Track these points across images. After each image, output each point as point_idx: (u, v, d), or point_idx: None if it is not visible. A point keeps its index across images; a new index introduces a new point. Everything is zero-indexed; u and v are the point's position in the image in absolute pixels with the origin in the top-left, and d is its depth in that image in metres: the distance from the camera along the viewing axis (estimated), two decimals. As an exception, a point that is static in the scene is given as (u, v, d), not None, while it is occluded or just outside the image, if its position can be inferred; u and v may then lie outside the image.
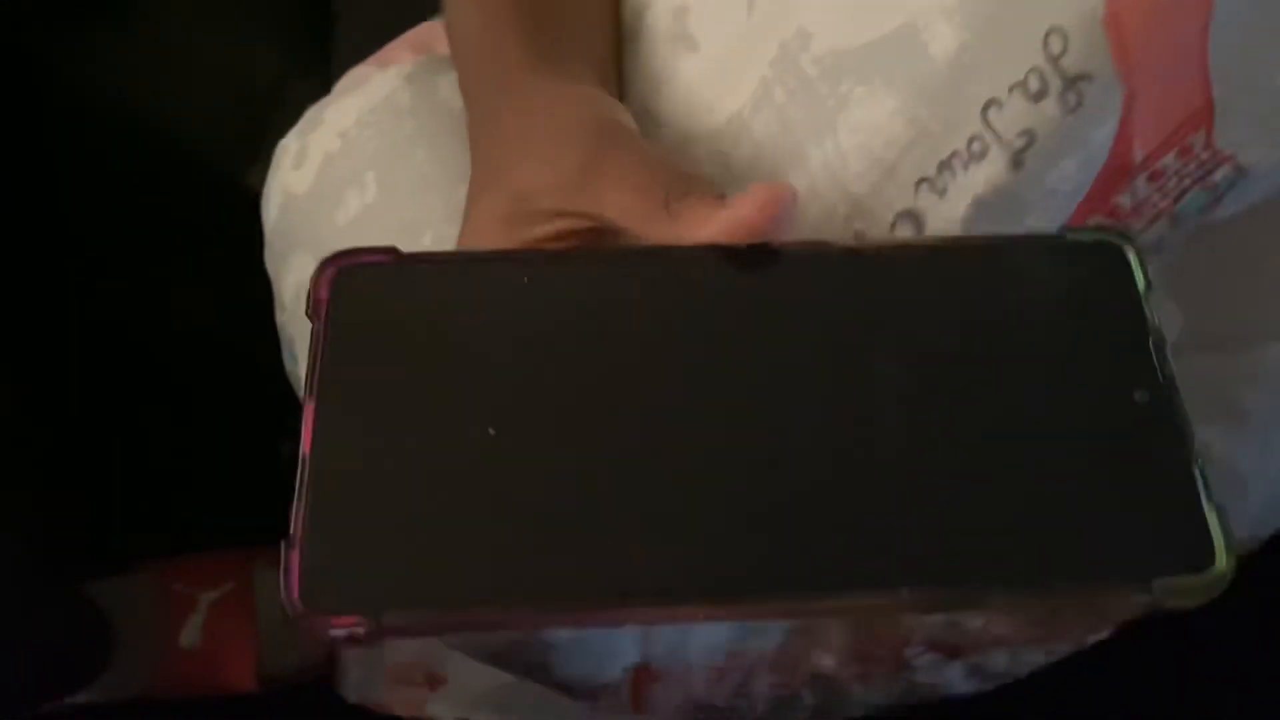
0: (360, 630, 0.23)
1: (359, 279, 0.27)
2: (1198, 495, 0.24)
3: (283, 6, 0.56)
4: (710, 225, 0.28)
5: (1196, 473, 0.24)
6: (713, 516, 0.24)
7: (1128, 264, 0.27)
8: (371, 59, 0.44)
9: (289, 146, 0.42)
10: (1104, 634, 0.53)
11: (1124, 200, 0.34)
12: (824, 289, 0.28)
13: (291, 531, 0.23)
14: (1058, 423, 0.26)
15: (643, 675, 0.46)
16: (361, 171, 0.39)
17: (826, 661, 0.50)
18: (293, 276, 0.41)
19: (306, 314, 0.27)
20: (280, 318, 0.43)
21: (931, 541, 0.24)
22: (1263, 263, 0.40)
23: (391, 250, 0.27)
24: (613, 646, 0.44)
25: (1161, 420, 0.25)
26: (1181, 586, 0.23)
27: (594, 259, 0.29)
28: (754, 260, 0.27)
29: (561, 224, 0.30)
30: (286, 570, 0.23)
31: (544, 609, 0.24)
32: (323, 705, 0.70)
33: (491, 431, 0.25)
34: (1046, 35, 0.30)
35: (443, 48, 0.42)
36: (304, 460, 0.24)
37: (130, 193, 0.63)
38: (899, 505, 0.25)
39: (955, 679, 0.53)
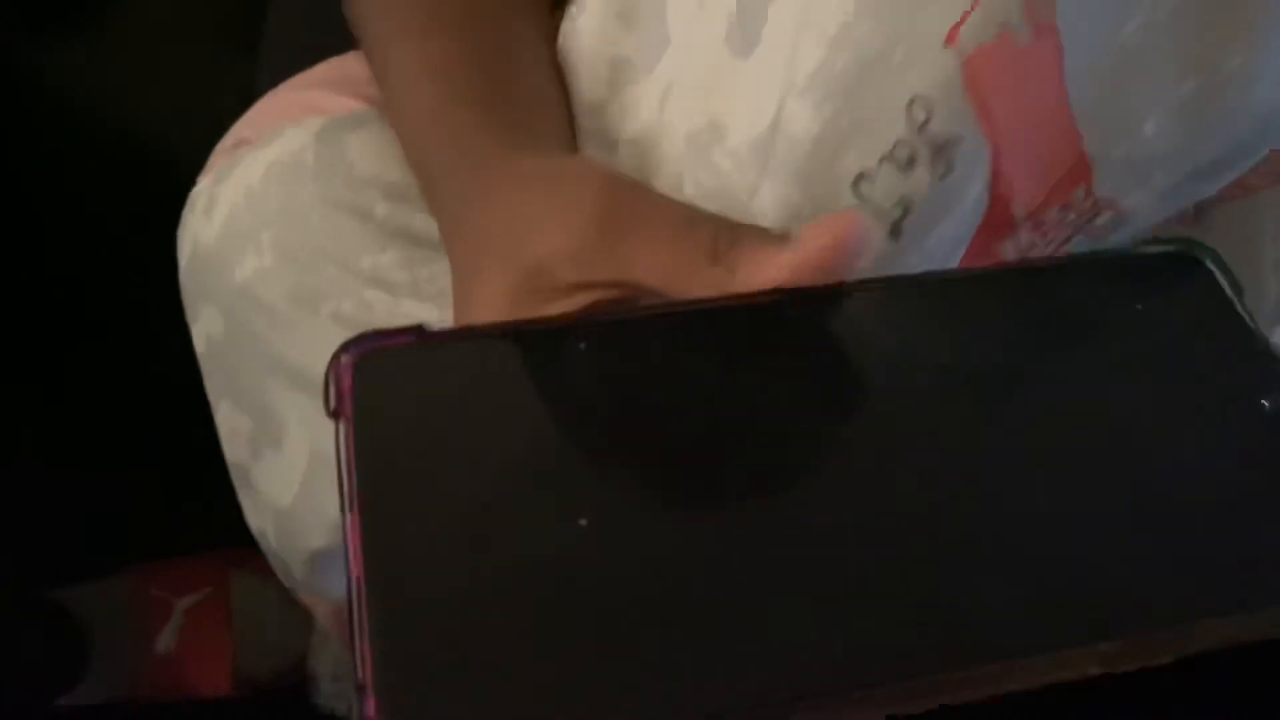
0: None
1: (384, 365, 0.23)
2: None
3: (255, 20, 0.56)
4: (773, 268, 0.25)
5: None
6: (861, 591, 0.21)
7: (1210, 272, 0.26)
8: (293, 85, 0.43)
9: (201, 192, 0.41)
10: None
11: (1007, 248, 0.34)
12: (907, 327, 0.25)
13: (359, 676, 0.19)
14: (1196, 443, 0.24)
15: None
16: (259, 231, 0.38)
17: None
18: (200, 327, 0.40)
19: (328, 413, 0.22)
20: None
21: (1109, 586, 0.22)
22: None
23: (417, 328, 0.24)
24: None
25: None
26: None
27: (649, 321, 0.25)
28: (827, 302, 0.25)
29: (584, 296, 0.27)
30: (365, 716, 0.19)
31: None
32: (297, 711, 0.70)
33: (583, 523, 0.21)
34: (910, 104, 0.29)
35: (366, 89, 0.41)
36: (357, 585, 0.20)
37: (101, 198, 0.64)
38: (1066, 555, 0.22)
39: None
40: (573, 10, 0.37)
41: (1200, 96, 0.31)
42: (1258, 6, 0.30)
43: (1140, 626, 0.21)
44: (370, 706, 0.19)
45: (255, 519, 0.42)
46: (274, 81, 0.45)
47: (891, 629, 0.21)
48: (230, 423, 0.41)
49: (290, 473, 0.38)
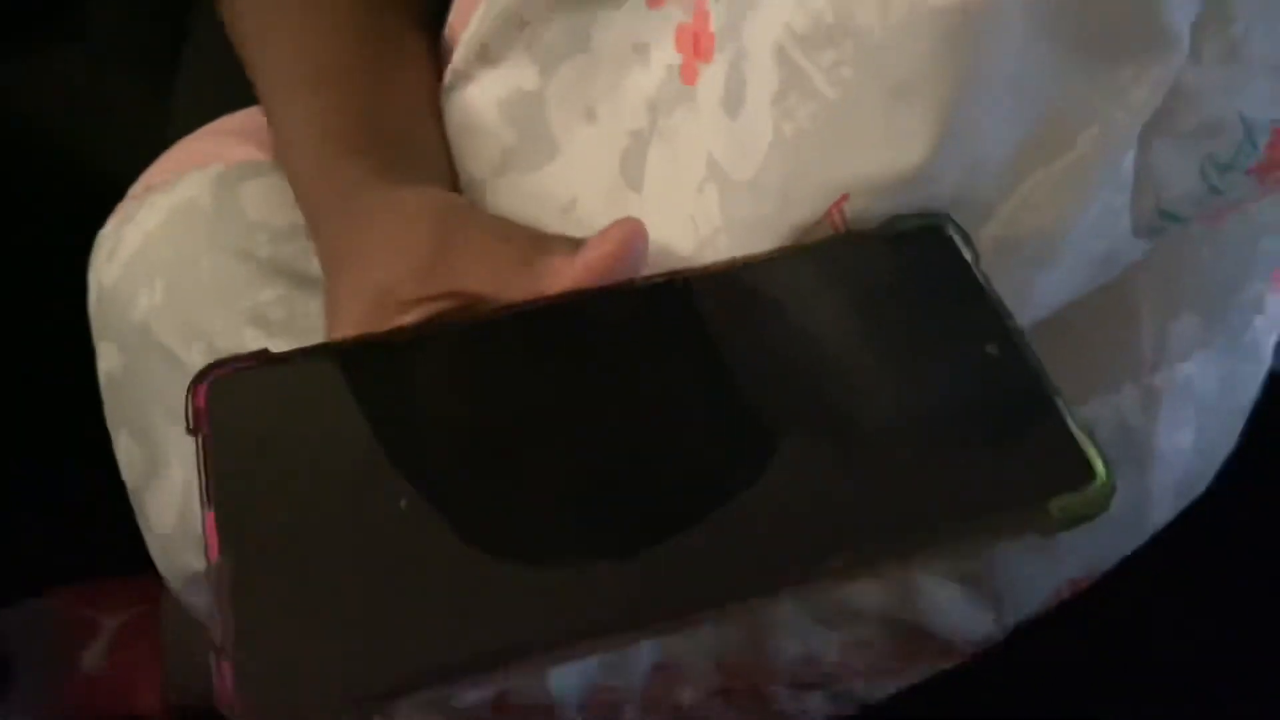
0: None
1: (233, 386, 0.27)
2: (1065, 422, 0.27)
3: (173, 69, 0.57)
4: (569, 273, 0.29)
5: (1058, 403, 0.27)
6: (641, 536, 0.25)
7: (952, 241, 0.30)
8: (203, 133, 0.46)
9: (106, 237, 0.43)
10: (952, 664, 0.56)
11: None
12: (688, 311, 0.29)
13: (219, 642, 0.23)
14: (929, 387, 0.28)
15: (500, 705, 0.48)
16: (154, 274, 0.41)
17: (688, 696, 0.53)
18: (104, 363, 0.43)
19: (188, 430, 0.26)
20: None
21: (850, 511, 0.26)
22: (1067, 327, 0.42)
23: (261, 353, 0.28)
24: None
25: (1016, 366, 0.28)
26: (1077, 502, 0.26)
27: (457, 327, 0.30)
28: (618, 297, 0.29)
29: (423, 310, 0.31)
30: (221, 681, 0.23)
31: (502, 662, 0.24)
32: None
33: (403, 504, 0.25)
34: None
35: (268, 138, 0.43)
36: (217, 569, 0.24)
37: (30, 219, 0.64)
38: (816, 485, 0.26)
39: (813, 705, 0.56)
40: (455, 71, 0.39)
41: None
42: None
43: (875, 541, 0.25)
44: (226, 668, 0.23)
45: (150, 548, 0.43)
46: (186, 129, 0.47)
47: (665, 569, 0.25)
48: (126, 453, 0.43)
49: (170, 500, 0.40)
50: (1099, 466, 0.26)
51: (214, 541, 0.25)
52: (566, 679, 0.48)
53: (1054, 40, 0.29)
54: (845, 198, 0.30)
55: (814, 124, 0.30)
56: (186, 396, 0.27)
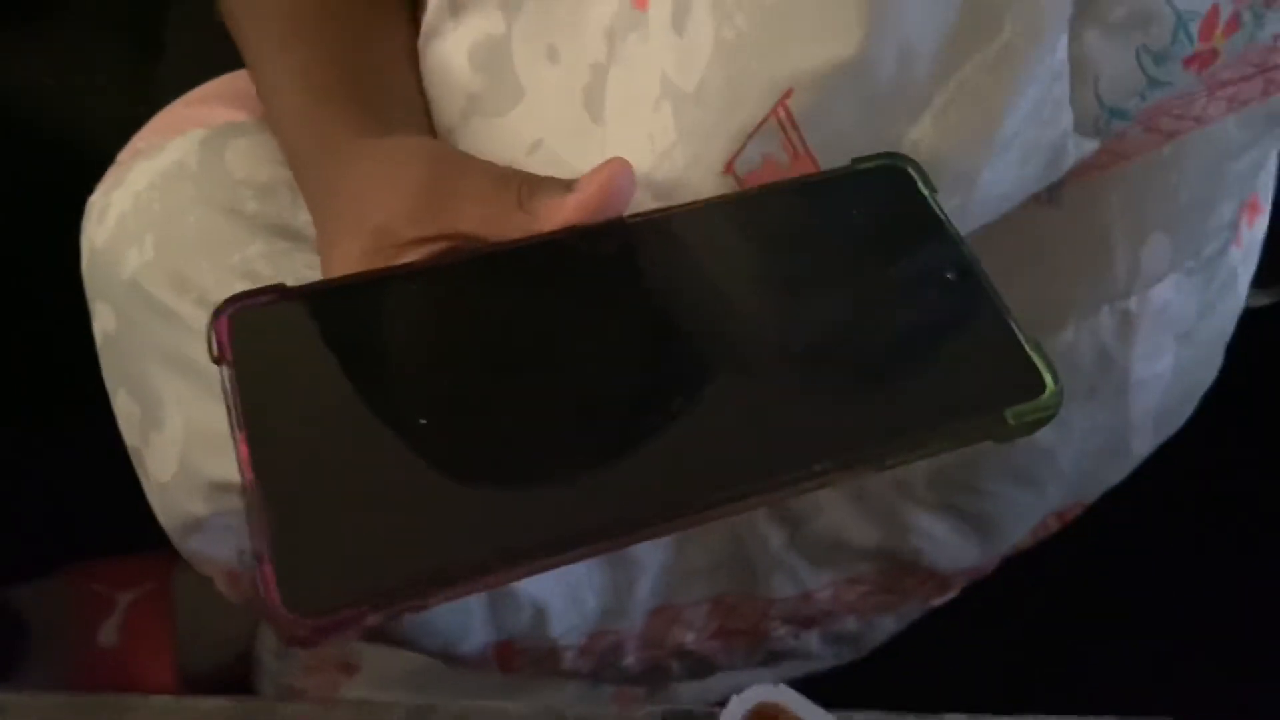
0: (348, 624, 0.24)
1: (253, 318, 0.29)
2: (1018, 339, 0.29)
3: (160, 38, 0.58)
4: (562, 211, 0.31)
5: (1011, 322, 0.30)
6: (635, 447, 0.27)
7: (911, 178, 0.32)
8: (189, 100, 0.47)
9: (96, 202, 0.44)
10: (946, 598, 0.57)
11: None
12: (672, 245, 0.32)
13: (258, 549, 0.25)
14: (895, 310, 0.31)
15: (505, 649, 0.50)
16: (143, 232, 0.42)
17: (689, 638, 0.54)
18: (98, 323, 0.44)
19: (212, 359, 0.28)
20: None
21: (823, 421, 0.28)
22: (1042, 251, 0.44)
23: (279, 287, 0.29)
24: (460, 625, 0.47)
25: (973, 290, 0.30)
26: (1029, 409, 0.28)
27: (463, 262, 0.32)
28: (607, 234, 0.31)
29: (422, 248, 0.32)
30: (265, 582, 0.24)
31: (511, 562, 0.26)
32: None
33: (423, 422, 0.27)
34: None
35: (251, 102, 0.45)
36: (253, 484, 0.26)
37: (22, 185, 0.65)
38: (790, 399, 0.29)
39: (813, 645, 0.57)
40: (426, 29, 0.40)
41: (963, 208, 0.35)
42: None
43: (851, 446, 0.28)
44: (268, 571, 0.25)
45: (150, 499, 0.44)
46: (173, 94, 0.48)
47: (657, 476, 0.27)
48: (125, 410, 0.44)
49: (170, 449, 0.41)
50: (1048, 378, 0.29)
51: (246, 460, 0.26)
52: (567, 623, 0.50)
53: None
54: (789, 93, 0.32)
55: (751, 25, 0.31)
56: (208, 328, 0.28)
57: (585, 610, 0.51)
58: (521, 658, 0.51)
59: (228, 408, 0.27)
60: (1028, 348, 0.29)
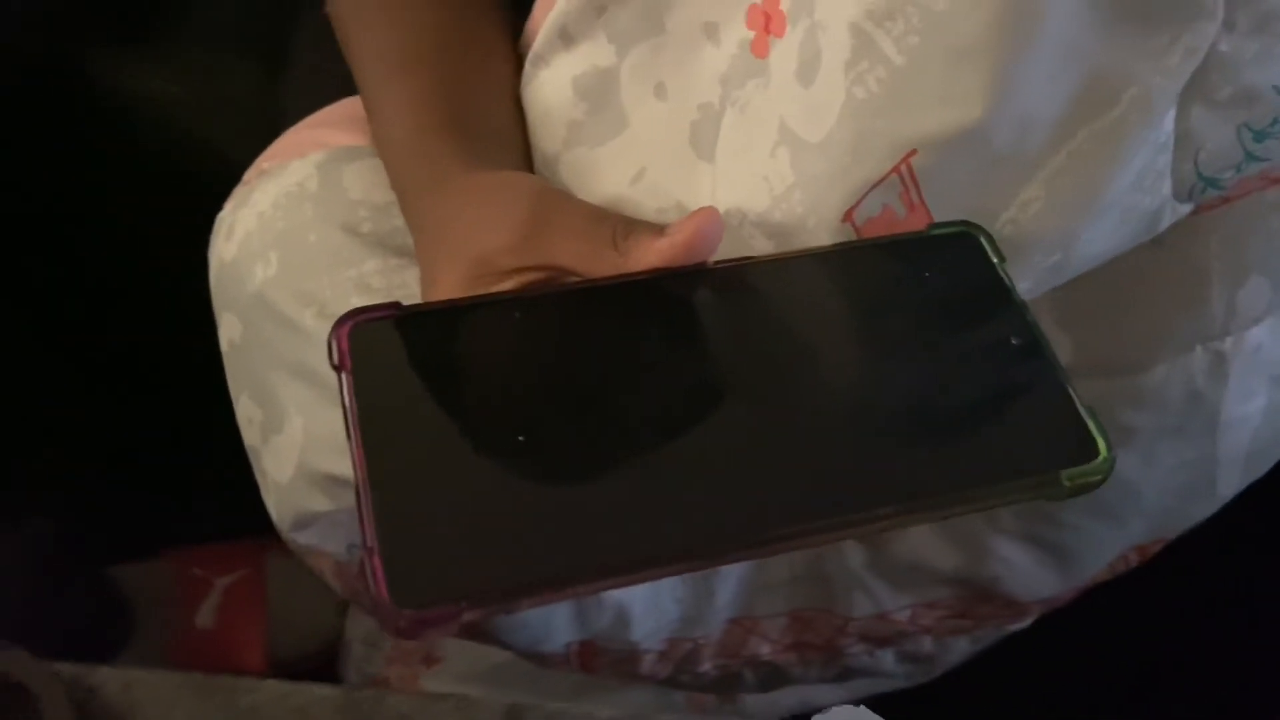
0: (448, 619, 0.26)
1: (370, 331, 0.31)
2: (1075, 407, 0.31)
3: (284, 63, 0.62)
4: (653, 254, 0.33)
5: (1069, 389, 0.31)
6: (709, 480, 0.29)
7: (981, 246, 0.34)
8: (310, 123, 0.50)
9: (224, 219, 0.48)
10: (1022, 624, 0.57)
11: None
12: (753, 291, 0.34)
13: (369, 544, 0.27)
14: (963, 371, 0.32)
15: (588, 649, 0.51)
16: (268, 249, 0.45)
17: (765, 649, 0.55)
18: (224, 332, 0.47)
19: (332, 365, 0.30)
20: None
21: (889, 470, 0.30)
22: (1140, 289, 0.44)
23: (394, 304, 0.32)
24: (546, 624, 0.49)
25: (1035, 357, 0.32)
26: (1083, 473, 0.30)
27: (565, 293, 0.34)
28: (695, 277, 0.33)
29: (520, 278, 0.35)
30: (374, 574, 0.26)
31: (598, 576, 0.27)
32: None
33: (521, 439, 0.29)
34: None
35: (365, 127, 0.47)
36: (364, 485, 0.28)
37: (156, 197, 0.69)
38: (865, 449, 0.30)
39: (887, 663, 0.58)
40: (534, 56, 0.42)
41: (1062, 263, 0.37)
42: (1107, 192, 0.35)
43: (917, 495, 0.29)
44: (377, 564, 0.26)
45: (265, 497, 0.47)
46: (299, 111, 0.52)
47: (742, 506, 0.29)
48: (246, 413, 0.47)
49: (290, 450, 0.44)
50: (1101, 444, 0.30)
51: (361, 460, 0.28)
52: (648, 626, 0.51)
53: (1098, 8, 0.31)
54: (913, 152, 0.33)
55: (883, 87, 0.33)
56: (330, 337, 0.31)
57: (665, 616, 0.52)
58: (602, 658, 0.52)
59: (344, 411, 0.29)
60: (1084, 415, 0.30)
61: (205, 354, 0.50)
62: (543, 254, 0.35)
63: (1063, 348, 0.43)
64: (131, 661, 0.74)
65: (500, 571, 0.27)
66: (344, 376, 0.30)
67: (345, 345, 0.30)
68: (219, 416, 0.50)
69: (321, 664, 0.76)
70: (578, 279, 0.34)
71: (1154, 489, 0.50)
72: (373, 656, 0.74)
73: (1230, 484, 0.52)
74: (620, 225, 0.34)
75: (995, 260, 0.34)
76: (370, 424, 0.29)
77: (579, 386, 0.31)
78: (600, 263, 0.34)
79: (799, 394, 0.31)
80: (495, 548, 0.27)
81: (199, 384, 0.56)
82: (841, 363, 0.32)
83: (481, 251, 0.35)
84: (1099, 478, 0.30)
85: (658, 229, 0.34)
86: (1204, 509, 0.53)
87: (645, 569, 0.28)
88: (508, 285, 0.35)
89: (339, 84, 0.49)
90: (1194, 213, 0.42)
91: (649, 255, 0.33)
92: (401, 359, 0.31)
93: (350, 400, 0.29)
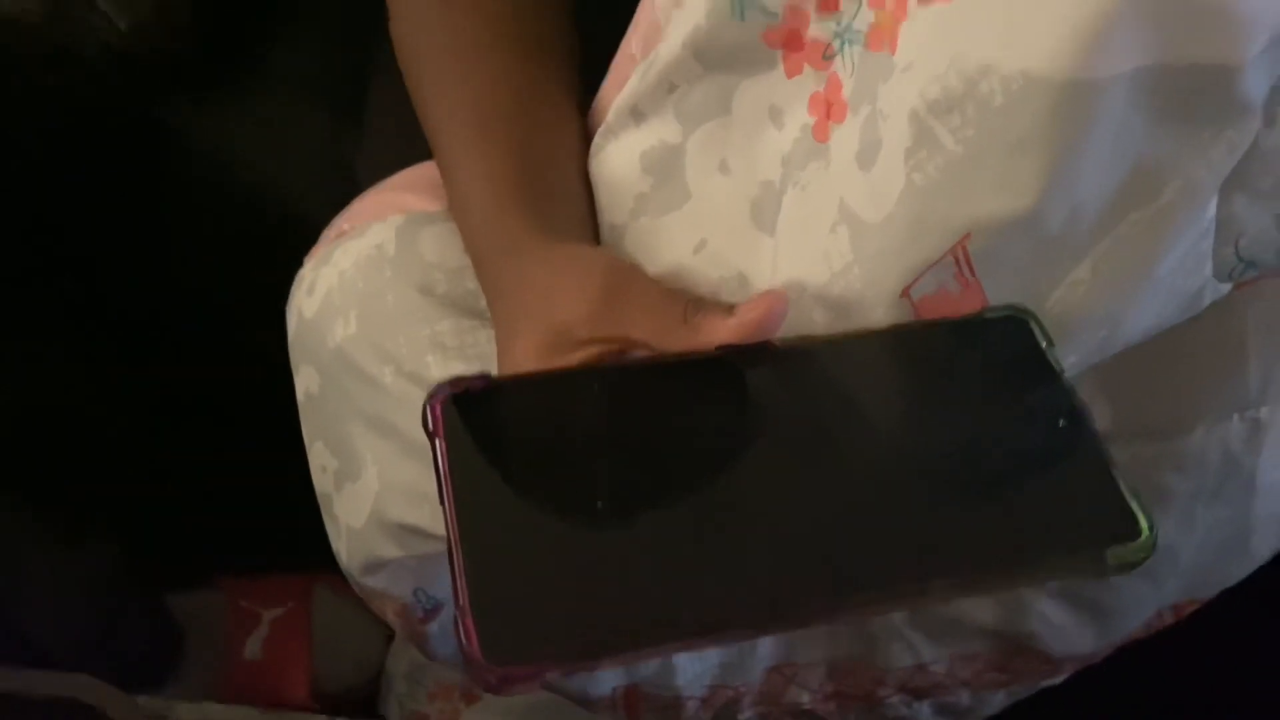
0: (535, 675, 0.27)
1: (462, 399, 0.32)
2: (1119, 487, 0.32)
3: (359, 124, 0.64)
4: (722, 331, 0.35)
5: (1114, 471, 0.32)
6: (775, 550, 0.31)
7: (1031, 330, 0.35)
8: (389, 185, 0.52)
9: (305, 275, 0.50)
10: (1057, 679, 0.58)
11: None
12: (814, 372, 0.35)
13: (460, 603, 0.28)
14: (1013, 450, 0.34)
15: (632, 695, 0.53)
16: (348, 308, 0.47)
17: (805, 698, 0.56)
18: (301, 382, 0.49)
19: (426, 431, 0.31)
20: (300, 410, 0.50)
21: (946, 546, 0.31)
22: (1180, 359, 0.46)
23: (485, 375, 0.33)
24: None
25: (1081, 438, 0.33)
26: (1125, 552, 0.31)
27: (640, 368, 0.36)
28: (761, 354, 0.35)
29: (594, 348, 0.36)
30: (466, 634, 0.27)
31: (674, 639, 0.29)
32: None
33: (600, 505, 0.31)
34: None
35: (439, 191, 0.50)
36: (455, 546, 0.29)
37: (231, 245, 0.71)
38: (921, 524, 0.32)
39: (924, 715, 0.59)
40: (605, 129, 0.45)
41: (1108, 340, 0.39)
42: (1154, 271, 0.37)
43: (964, 571, 0.31)
44: (469, 624, 0.28)
45: (335, 541, 0.49)
46: (375, 166, 0.54)
47: (800, 579, 0.30)
48: (320, 461, 0.49)
49: (364, 499, 0.46)
50: (1144, 524, 0.31)
51: (453, 522, 0.30)
52: (691, 673, 0.53)
53: (1147, 107, 0.33)
54: (968, 236, 0.35)
55: (941, 175, 0.35)
56: (424, 406, 0.32)
57: (707, 662, 0.54)
58: (646, 703, 0.54)
59: (437, 475, 0.31)
60: (1128, 495, 0.32)
61: (263, 393, 0.52)
62: (616, 326, 0.36)
63: (1103, 412, 0.45)
64: (179, 691, 0.76)
65: (584, 632, 0.28)
66: (438, 443, 0.31)
67: (439, 413, 0.32)
68: (277, 455, 0.52)
69: (363, 698, 0.78)
70: (647, 352, 0.36)
71: (1191, 550, 0.51)
72: (415, 692, 0.76)
73: (1264, 545, 0.53)
74: (691, 303, 0.36)
75: (1044, 344, 0.35)
76: (461, 488, 0.30)
77: (654, 455, 0.33)
78: (671, 337, 0.36)
79: (856, 468, 0.33)
80: (579, 609, 0.29)
81: (257, 424, 0.58)
82: (897, 440, 0.34)
83: (560, 321, 0.37)
84: (1143, 555, 0.31)
85: (727, 308, 0.36)
86: (1239, 569, 0.54)
87: (717, 632, 0.29)
88: (581, 355, 0.36)
89: (415, 146, 0.51)
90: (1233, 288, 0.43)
91: (719, 332, 0.35)
92: (490, 426, 0.32)
93: (444, 465, 0.31)
